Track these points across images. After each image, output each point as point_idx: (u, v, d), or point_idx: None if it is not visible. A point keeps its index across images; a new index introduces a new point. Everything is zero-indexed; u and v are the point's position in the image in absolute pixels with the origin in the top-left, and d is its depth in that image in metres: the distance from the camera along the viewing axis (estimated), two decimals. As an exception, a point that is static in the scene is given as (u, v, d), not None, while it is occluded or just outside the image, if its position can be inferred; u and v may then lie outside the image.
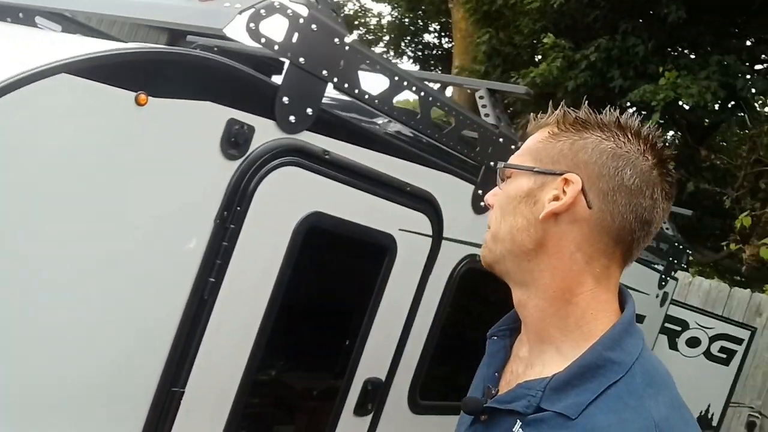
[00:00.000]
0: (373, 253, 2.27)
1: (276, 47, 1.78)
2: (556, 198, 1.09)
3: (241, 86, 1.76)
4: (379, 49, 17.62)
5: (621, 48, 7.11)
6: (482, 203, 1.27)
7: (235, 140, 1.76)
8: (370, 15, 17.10)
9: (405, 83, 2.15)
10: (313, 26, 1.83)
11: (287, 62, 1.83)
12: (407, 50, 16.43)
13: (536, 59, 8.04)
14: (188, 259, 1.76)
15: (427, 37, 15.81)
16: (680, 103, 6.43)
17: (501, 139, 2.57)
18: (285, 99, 1.84)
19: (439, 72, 14.81)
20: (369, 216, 2.16)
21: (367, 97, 2.05)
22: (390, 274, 2.30)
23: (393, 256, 2.29)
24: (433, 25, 14.99)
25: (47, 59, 1.43)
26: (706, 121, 7.67)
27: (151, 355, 1.76)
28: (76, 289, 1.58)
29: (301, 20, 1.80)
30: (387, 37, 16.91)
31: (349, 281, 2.18)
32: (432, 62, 15.88)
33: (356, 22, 17.21)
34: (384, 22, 16.74)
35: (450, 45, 11.73)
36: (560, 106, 1.16)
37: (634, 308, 1.13)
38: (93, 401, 1.67)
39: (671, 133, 8.86)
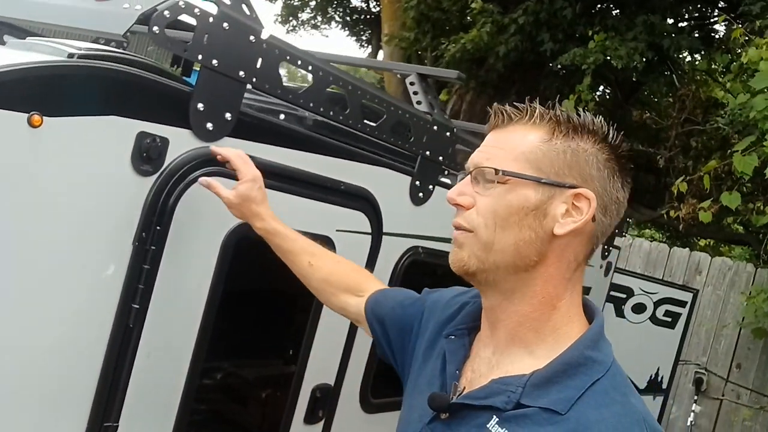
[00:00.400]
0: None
1: (185, 51, 1.62)
2: (568, 212, 1.10)
3: (149, 96, 1.61)
4: (306, 15, 17.22)
5: (549, 11, 7.06)
6: (451, 202, 1.17)
7: (147, 155, 1.61)
8: (294, -21, 16.62)
9: (330, 78, 2.02)
10: (225, 25, 1.68)
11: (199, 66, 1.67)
12: (335, 15, 16.07)
13: (466, 25, 7.94)
14: (108, 287, 1.62)
15: (355, 1, 15.49)
16: (610, 61, 6.43)
17: (435, 127, 2.47)
18: (200, 105, 1.69)
19: (368, 37, 14.57)
20: (302, 220, 2.04)
21: (291, 96, 1.92)
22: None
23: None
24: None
25: None
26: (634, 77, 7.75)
27: (78, 390, 1.62)
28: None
29: (211, 19, 1.65)
30: (313, 2, 16.48)
31: (287, 289, 2.05)
32: (361, 27, 15.60)
33: (281, -13, 16.72)
34: (310, -12, 16.30)
35: (379, 9, 11.54)
36: (534, 101, 1.14)
37: (603, 318, 1.16)
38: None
39: (602, 89, 8.95)
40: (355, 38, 16.36)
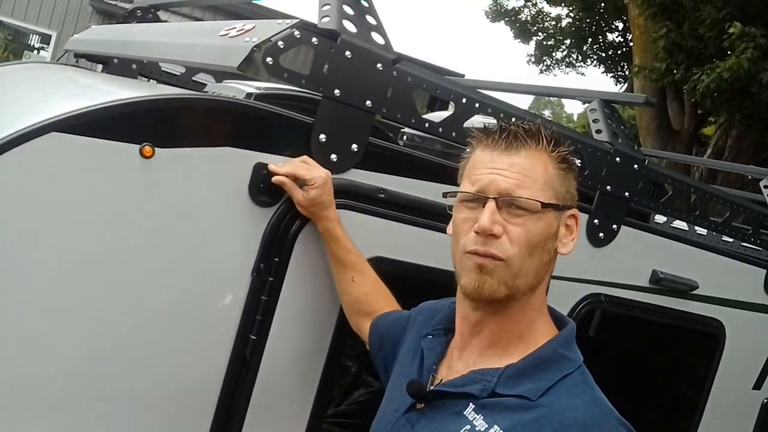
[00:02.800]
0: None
1: (303, 81, 1.60)
2: (566, 232, 1.25)
3: (266, 127, 1.61)
4: (560, 54, 16.90)
5: (824, 30, 6.09)
6: (486, 232, 1.18)
7: (264, 185, 1.60)
8: (548, 19, 16.41)
9: (477, 105, 1.87)
10: (347, 53, 1.63)
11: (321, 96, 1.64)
12: (589, 52, 15.54)
13: (724, 52, 7.13)
14: (226, 317, 1.63)
15: (611, 36, 14.84)
16: None
17: (618, 159, 2.18)
18: (322, 137, 1.65)
19: (624, 72, 13.84)
20: (443, 257, 1.90)
21: (427, 125, 1.81)
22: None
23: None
24: (616, 22, 14.03)
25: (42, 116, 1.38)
26: None
27: (197, 419, 1.65)
28: (109, 363, 1.50)
29: (332, 49, 1.61)
30: (568, 41, 16.12)
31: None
32: (617, 62, 14.89)
33: (534, 28, 16.61)
34: (563, 24, 15.97)
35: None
36: (550, 133, 1.23)
37: (574, 324, 1.26)
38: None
39: None
40: (611, 74, 15.67)
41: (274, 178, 1.59)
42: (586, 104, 2.29)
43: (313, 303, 1.74)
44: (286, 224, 1.65)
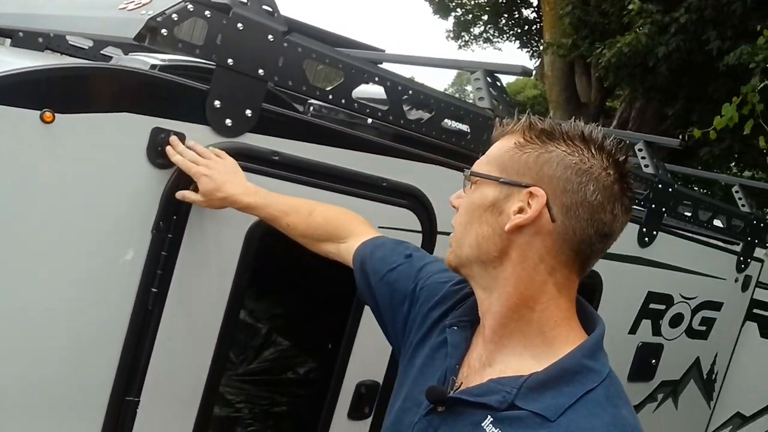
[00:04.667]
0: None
1: (197, 51, 1.72)
2: (521, 210, 1.14)
3: (162, 95, 1.72)
4: (477, 30, 17.23)
5: (715, 6, 6.50)
6: (451, 202, 1.30)
7: (161, 149, 1.72)
8: (467, -7, 16.68)
9: (364, 75, 2.03)
10: (239, 25, 1.75)
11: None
12: (505, 28, 15.92)
13: (625, 27, 7.51)
14: (128, 272, 1.75)
15: (525, 12, 15.24)
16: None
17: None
18: (216, 103, 1.78)
19: (538, 48, 14.27)
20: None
21: (318, 93, 1.96)
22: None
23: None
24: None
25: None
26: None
27: (101, 365, 1.77)
28: (16, 316, 1.60)
29: (224, 21, 1.73)
30: (485, 17, 16.45)
31: (324, 282, 2.10)
32: (531, 37, 15.33)
33: (452, 3, 16.85)
34: (481, 1, 16.29)
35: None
36: (526, 115, 1.20)
37: (604, 327, 1.17)
38: (47, 409, 1.70)
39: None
40: (526, 49, 16.10)
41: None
42: (473, 74, 2.49)
43: (212, 256, 1.87)
44: (183, 184, 1.77)
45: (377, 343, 2.27)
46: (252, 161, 1.87)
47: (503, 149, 1.19)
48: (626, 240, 3.06)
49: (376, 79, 2.06)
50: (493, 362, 1.19)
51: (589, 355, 1.12)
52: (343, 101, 2.00)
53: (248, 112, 1.84)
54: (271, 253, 2.03)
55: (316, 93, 1.96)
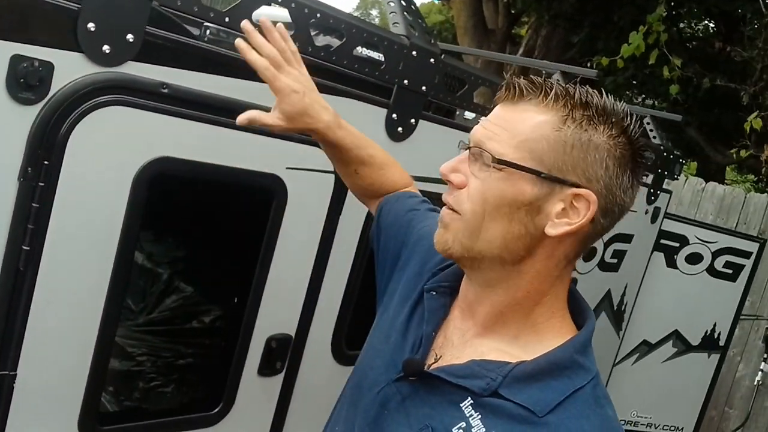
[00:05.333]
0: (251, 198, 1.97)
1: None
2: (564, 211, 1.02)
3: (21, 15, 1.43)
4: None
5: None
6: (446, 176, 1.09)
7: (25, 81, 1.44)
8: None
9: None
10: (113, -71, 1.47)
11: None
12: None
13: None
14: (-9, 227, 1.49)
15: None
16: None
17: (414, 53, 2.19)
18: (90, 25, 1.50)
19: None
20: (237, 156, 1.85)
21: (212, 14, 1.70)
22: (280, 221, 2.00)
23: (281, 200, 1.98)
24: None
25: None
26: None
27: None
28: None
29: (93, -77, 1.44)
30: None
31: (221, 234, 1.89)
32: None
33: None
34: None
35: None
36: (555, 81, 1.02)
37: (595, 321, 1.12)
38: None
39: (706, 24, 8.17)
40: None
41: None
42: (386, -3, 2.26)
43: (95, 206, 1.62)
44: (55, 122, 1.50)
45: (288, 295, 2.13)
46: (136, 95, 1.61)
47: (537, 131, 1.01)
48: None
49: (279, 0, 1.81)
50: (477, 344, 1.10)
51: (581, 351, 1.06)
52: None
53: (130, 36, 1.56)
54: (165, 198, 1.80)
55: (209, 15, 1.69)
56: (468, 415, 1.02)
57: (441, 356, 1.12)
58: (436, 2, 16.05)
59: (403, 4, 2.25)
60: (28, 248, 1.53)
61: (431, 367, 1.10)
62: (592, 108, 1.01)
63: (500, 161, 1.01)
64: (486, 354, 1.07)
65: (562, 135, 1.01)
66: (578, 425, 0.98)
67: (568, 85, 1.03)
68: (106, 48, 1.53)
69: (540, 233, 1.03)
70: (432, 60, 2.25)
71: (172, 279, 2.55)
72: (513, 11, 10.05)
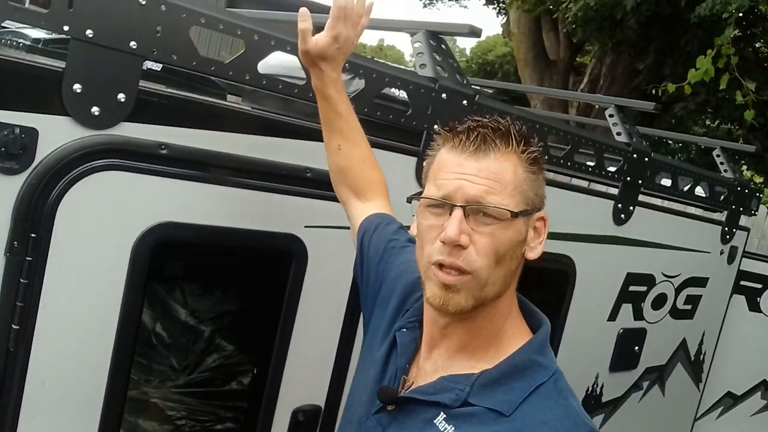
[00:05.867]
0: (268, 261, 1.82)
1: (42, 22, 1.33)
2: (535, 233, 1.18)
3: (2, 80, 1.33)
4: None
5: (684, -47, 6.13)
6: (456, 241, 1.09)
7: (6, 150, 1.34)
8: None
9: (272, 42, 1.65)
10: (104, -18, 1.37)
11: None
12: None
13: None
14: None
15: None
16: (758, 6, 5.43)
17: (444, 95, 2.03)
18: (76, 87, 1.40)
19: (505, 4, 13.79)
20: (250, 216, 1.71)
21: (213, 68, 1.58)
22: (301, 283, 1.84)
23: (302, 260, 1.83)
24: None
25: None
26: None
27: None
28: None
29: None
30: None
31: (236, 300, 1.75)
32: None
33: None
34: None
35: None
36: (519, 132, 1.15)
37: (549, 324, 1.21)
38: None
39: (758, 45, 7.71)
40: (492, 6, 15.61)
41: (302, 11, 1.46)
42: (413, 37, 2.11)
43: (91, 280, 1.51)
44: (41, 192, 1.40)
45: (315, 362, 1.96)
46: (131, 157, 1.50)
47: (517, 177, 1.13)
48: (600, 218, 2.73)
49: (288, 48, 1.68)
50: (447, 366, 1.18)
51: (538, 351, 1.15)
52: (246, 77, 1.63)
53: (121, 96, 1.46)
54: (170, 267, 1.67)
55: (210, 68, 1.58)
56: (443, 429, 1.10)
57: (413, 382, 1.20)
58: (501, 35, 15.92)
59: (432, 43, 2.09)
60: (17, 327, 1.42)
61: (404, 393, 1.18)
62: (529, 138, 1.16)
63: (515, 213, 1.11)
64: (455, 371, 1.15)
65: (528, 172, 1.15)
66: (542, 415, 1.07)
67: (509, 125, 1.15)
68: (94, 110, 1.43)
69: (521, 259, 1.17)
70: (465, 102, 2.08)
71: (187, 351, 2.36)
72: (574, 41, 9.79)
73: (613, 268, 2.87)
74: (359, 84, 1.87)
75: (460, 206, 1.10)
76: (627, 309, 2.92)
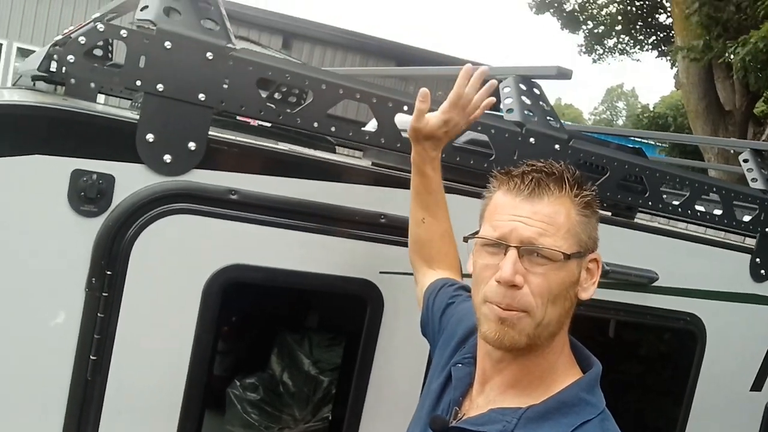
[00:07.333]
0: (341, 306, 1.83)
1: (116, 78, 1.48)
2: (588, 274, 1.23)
3: (80, 131, 1.48)
4: (611, 41, 16.26)
5: None
6: (511, 281, 1.16)
7: (85, 194, 1.48)
8: (595, 6, 15.79)
9: (340, 91, 1.70)
10: (167, 44, 1.49)
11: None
12: (640, 36, 14.84)
13: (761, 21, 6.58)
14: (60, 337, 1.52)
15: (661, 18, 14.12)
16: None
17: (532, 139, 1.96)
18: (149, 137, 1.52)
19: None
20: (324, 261, 1.74)
21: (281, 116, 1.65)
22: (377, 330, 1.83)
23: (377, 307, 1.83)
24: (664, 1, 13.34)
25: None
26: None
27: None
28: None
29: (146, 40, 1.48)
30: (618, 26, 15.48)
31: (306, 344, 1.76)
32: (669, 43, 14.19)
33: (582, 16, 16.03)
34: (612, 9, 15.34)
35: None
36: (573, 176, 1.22)
37: (601, 366, 1.24)
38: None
39: None
40: (665, 58, 14.96)
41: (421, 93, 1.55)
42: (503, 82, 2.07)
43: (164, 316, 1.60)
44: (117, 233, 1.52)
45: (395, 413, 1.91)
46: (202, 202, 1.59)
47: (570, 220, 1.19)
48: (734, 273, 2.46)
49: (358, 96, 1.72)
50: (499, 400, 1.22)
51: (587, 390, 1.19)
52: (315, 124, 1.68)
53: (192, 144, 1.56)
54: (240, 308, 1.73)
55: (278, 117, 1.65)
56: None
57: (465, 414, 1.26)
58: (675, 87, 15.18)
59: (522, 87, 2.04)
60: (95, 358, 1.54)
61: (455, 423, 1.24)
62: (582, 184, 1.21)
63: (568, 255, 1.16)
64: (505, 404, 1.20)
65: (581, 215, 1.20)
66: None
67: (562, 170, 1.21)
68: (167, 157, 1.54)
69: (575, 300, 1.21)
70: (557, 146, 2.00)
71: (256, 394, 2.37)
72: (751, 89, 9.06)
73: (755, 330, 2.56)
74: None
75: (514, 247, 1.16)
76: (776, 377, 2.59)
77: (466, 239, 1.29)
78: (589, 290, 1.23)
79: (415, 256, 1.69)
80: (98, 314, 1.53)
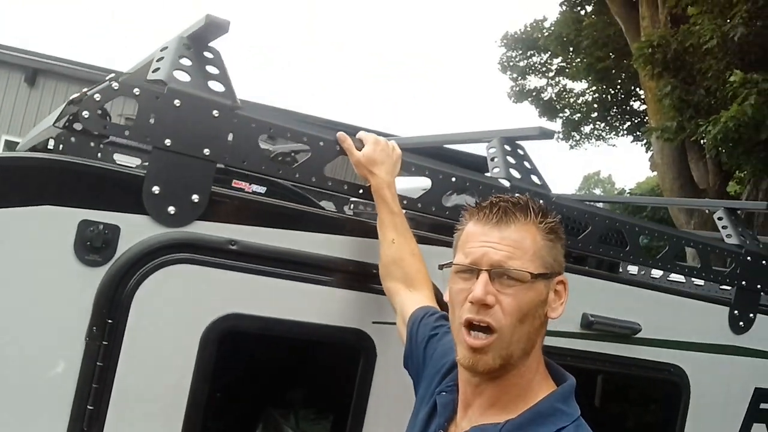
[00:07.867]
0: (334, 356, 1.86)
1: (127, 132, 1.55)
2: (556, 295, 1.33)
3: (88, 183, 1.55)
4: (587, 128, 16.82)
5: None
6: (483, 300, 1.27)
7: (91, 244, 1.53)
8: (572, 95, 16.45)
9: (337, 148, 1.79)
10: (176, 102, 1.58)
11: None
12: (614, 122, 15.41)
13: (730, 102, 6.90)
14: (58, 386, 1.53)
15: (635, 105, 14.71)
16: None
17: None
18: (155, 189, 1.59)
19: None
20: (317, 311, 1.78)
21: (281, 171, 1.73)
22: (370, 379, 1.86)
23: (370, 356, 1.86)
24: (637, 89, 13.94)
25: None
26: None
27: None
28: None
29: (158, 98, 1.57)
30: (594, 114, 16.06)
31: (304, 395, 1.78)
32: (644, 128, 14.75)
33: (559, 105, 16.64)
34: (588, 98, 15.97)
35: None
36: (537, 206, 1.34)
37: (575, 380, 1.33)
38: None
39: None
40: (639, 142, 15.46)
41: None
42: (489, 144, 2.19)
43: (162, 366, 1.62)
44: (120, 283, 1.56)
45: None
46: (203, 252, 1.64)
47: (536, 244, 1.29)
48: (715, 326, 2.53)
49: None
50: (481, 420, 1.30)
51: (562, 401, 1.28)
52: (313, 179, 1.76)
53: (195, 197, 1.63)
54: (237, 357, 1.76)
55: (278, 172, 1.73)
56: None
57: None
58: (650, 168, 15.62)
59: (507, 148, 2.15)
60: (92, 408, 1.55)
61: None
62: (547, 213, 1.33)
63: (533, 275, 1.26)
64: (486, 421, 1.29)
65: (546, 240, 1.31)
66: None
67: (527, 200, 1.34)
68: (171, 209, 1.60)
69: (545, 319, 1.31)
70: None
71: None
72: (724, 168, 9.38)
73: (737, 383, 2.61)
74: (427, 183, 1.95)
75: (485, 270, 1.27)
76: (759, 430, 2.61)
77: (441, 267, 1.39)
78: (558, 310, 1.33)
79: (390, 282, 1.76)
80: (97, 363, 1.55)
